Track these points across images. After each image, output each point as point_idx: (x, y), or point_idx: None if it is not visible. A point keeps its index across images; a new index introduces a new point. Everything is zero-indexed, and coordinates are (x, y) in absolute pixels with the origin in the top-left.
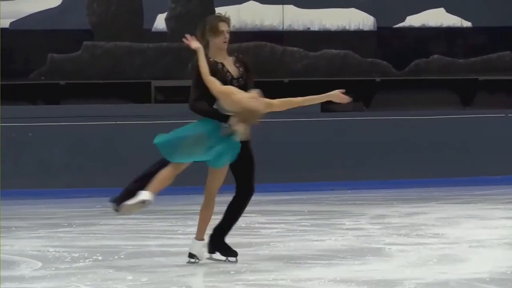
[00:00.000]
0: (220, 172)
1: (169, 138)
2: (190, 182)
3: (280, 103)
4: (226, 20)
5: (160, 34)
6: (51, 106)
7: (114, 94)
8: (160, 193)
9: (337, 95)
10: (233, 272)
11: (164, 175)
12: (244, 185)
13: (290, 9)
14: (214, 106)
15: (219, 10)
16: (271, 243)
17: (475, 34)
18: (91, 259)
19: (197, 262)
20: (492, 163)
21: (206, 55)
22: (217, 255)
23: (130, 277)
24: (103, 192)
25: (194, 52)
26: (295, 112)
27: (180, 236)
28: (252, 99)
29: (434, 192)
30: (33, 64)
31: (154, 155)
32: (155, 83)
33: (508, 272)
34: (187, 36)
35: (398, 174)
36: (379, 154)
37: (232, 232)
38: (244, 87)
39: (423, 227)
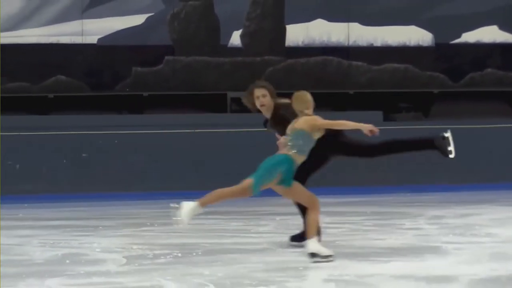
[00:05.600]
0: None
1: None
2: None
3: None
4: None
5: (235, 50)
6: (135, 116)
7: (193, 104)
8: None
9: (367, 127)
10: (301, 268)
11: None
12: None
13: (355, 26)
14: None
15: (290, 27)
16: (337, 242)
17: None
18: (171, 256)
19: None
20: None
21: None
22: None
23: (207, 272)
24: (182, 195)
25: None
26: (360, 122)
27: (253, 235)
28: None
29: (486, 195)
30: (119, 77)
31: (229, 160)
32: (230, 94)
33: None
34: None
35: (454, 178)
36: (437, 160)
37: (300, 231)
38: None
39: (477, 227)
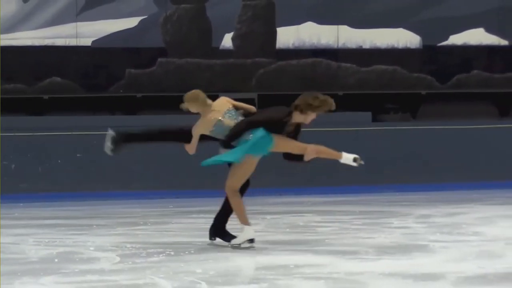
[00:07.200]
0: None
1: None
2: (256, 184)
3: None
4: None
5: (227, 52)
6: (129, 116)
7: None
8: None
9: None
10: (292, 266)
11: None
12: None
13: (344, 28)
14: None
15: (280, 30)
16: (326, 240)
17: None
18: (164, 254)
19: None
20: None
21: None
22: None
23: (199, 270)
24: (175, 194)
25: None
26: (349, 122)
27: None
28: None
29: (473, 194)
30: (113, 79)
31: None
32: (222, 95)
33: None
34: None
35: (441, 178)
36: (424, 160)
37: (291, 230)
38: None
39: (463, 225)
